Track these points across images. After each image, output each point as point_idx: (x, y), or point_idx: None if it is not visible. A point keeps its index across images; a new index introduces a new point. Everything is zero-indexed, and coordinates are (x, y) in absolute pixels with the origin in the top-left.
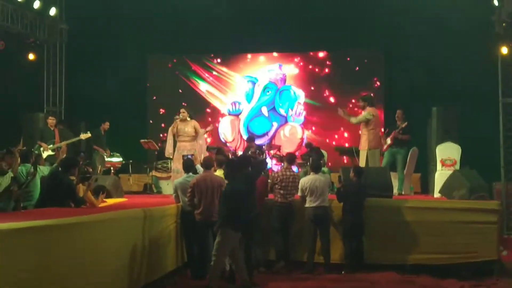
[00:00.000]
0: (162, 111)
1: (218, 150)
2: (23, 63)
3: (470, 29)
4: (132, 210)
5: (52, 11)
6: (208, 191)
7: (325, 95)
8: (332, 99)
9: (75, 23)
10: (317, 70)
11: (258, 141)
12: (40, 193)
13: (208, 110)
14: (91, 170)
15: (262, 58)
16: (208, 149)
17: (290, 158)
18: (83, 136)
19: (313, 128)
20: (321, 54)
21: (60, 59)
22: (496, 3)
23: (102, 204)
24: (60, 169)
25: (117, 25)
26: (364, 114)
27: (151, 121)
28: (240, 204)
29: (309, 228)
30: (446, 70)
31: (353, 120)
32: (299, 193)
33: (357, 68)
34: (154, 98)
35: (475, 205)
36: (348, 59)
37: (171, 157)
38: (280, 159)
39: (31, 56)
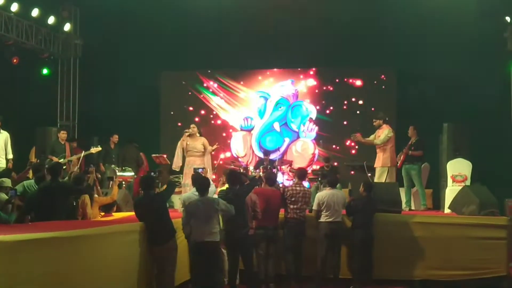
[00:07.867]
0: (174, 126)
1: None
2: (37, 78)
3: (483, 46)
4: (134, 224)
5: (67, 27)
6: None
7: (337, 111)
8: (343, 115)
9: (89, 38)
10: (329, 87)
11: (270, 156)
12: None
13: (220, 125)
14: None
15: (274, 73)
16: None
17: (300, 174)
18: (94, 150)
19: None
20: (333, 71)
21: (74, 73)
22: (508, 19)
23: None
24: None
25: (130, 40)
26: (385, 132)
27: (163, 136)
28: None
29: (322, 243)
30: (458, 87)
31: (377, 141)
32: (315, 207)
33: (370, 85)
34: (167, 113)
35: (484, 221)
36: (361, 76)
37: (178, 170)
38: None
39: (45, 71)
